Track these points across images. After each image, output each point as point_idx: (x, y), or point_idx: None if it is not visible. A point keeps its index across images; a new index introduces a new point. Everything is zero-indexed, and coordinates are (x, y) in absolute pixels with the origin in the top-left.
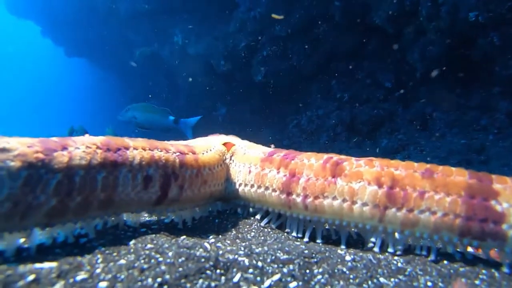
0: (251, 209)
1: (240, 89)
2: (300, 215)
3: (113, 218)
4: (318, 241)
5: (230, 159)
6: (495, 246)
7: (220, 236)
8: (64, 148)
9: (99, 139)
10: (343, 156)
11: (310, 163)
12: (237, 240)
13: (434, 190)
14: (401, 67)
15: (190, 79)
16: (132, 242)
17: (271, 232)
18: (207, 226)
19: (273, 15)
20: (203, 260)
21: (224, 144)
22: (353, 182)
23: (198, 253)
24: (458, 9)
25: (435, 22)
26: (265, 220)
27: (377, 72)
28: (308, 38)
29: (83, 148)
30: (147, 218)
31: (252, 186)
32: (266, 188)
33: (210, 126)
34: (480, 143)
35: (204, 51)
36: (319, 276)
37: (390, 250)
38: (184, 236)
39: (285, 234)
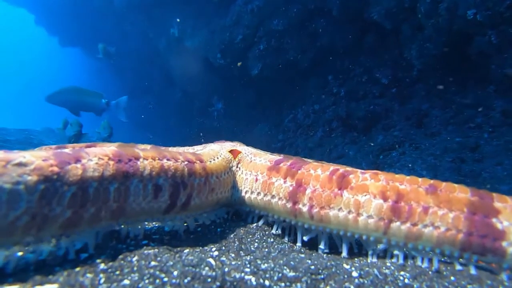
0: (267, 218)
1: (236, 83)
2: (305, 224)
3: (123, 226)
4: (321, 246)
5: (237, 167)
6: (494, 261)
7: (223, 248)
8: (78, 160)
9: (111, 151)
10: (349, 168)
11: (317, 174)
12: (241, 252)
13: (437, 205)
14: (398, 64)
15: (186, 72)
16: (135, 259)
17: (274, 242)
18: (210, 236)
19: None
20: (209, 280)
21: (230, 151)
22: (359, 195)
23: (204, 272)
24: (457, 7)
25: (434, 19)
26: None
27: (374, 68)
28: (305, 32)
29: (95, 160)
30: (147, 226)
31: (258, 194)
32: (273, 197)
33: (206, 120)
34: (474, 141)
35: (201, 44)
36: None
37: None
38: (188, 250)
39: (288, 243)
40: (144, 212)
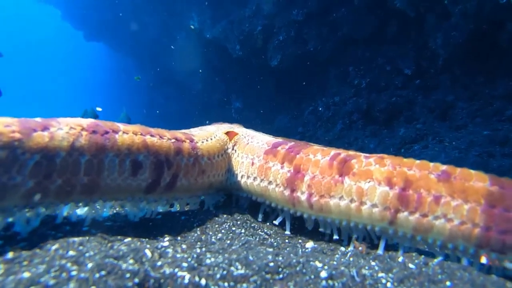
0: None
1: (255, 75)
2: (304, 213)
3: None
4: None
5: (233, 149)
6: None
7: (179, 238)
8: (46, 128)
9: (87, 121)
10: (351, 152)
11: (316, 159)
12: (198, 243)
13: (451, 195)
14: (422, 53)
15: (205, 64)
16: (54, 247)
17: (242, 234)
18: (170, 224)
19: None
20: (128, 275)
21: (227, 133)
22: (361, 182)
23: (124, 266)
24: None
25: (461, 4)
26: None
27: (396, 58)
28: (325, 22)
29: (66, 129)
30: (116, 210)
31: (255, 179)
32: (270, 183)
33: (225, 112)
34: (504, 135)
35: (220, 35)
36: None
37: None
38: (129, 239)
39: (263, 235)
40: (121, 189)
